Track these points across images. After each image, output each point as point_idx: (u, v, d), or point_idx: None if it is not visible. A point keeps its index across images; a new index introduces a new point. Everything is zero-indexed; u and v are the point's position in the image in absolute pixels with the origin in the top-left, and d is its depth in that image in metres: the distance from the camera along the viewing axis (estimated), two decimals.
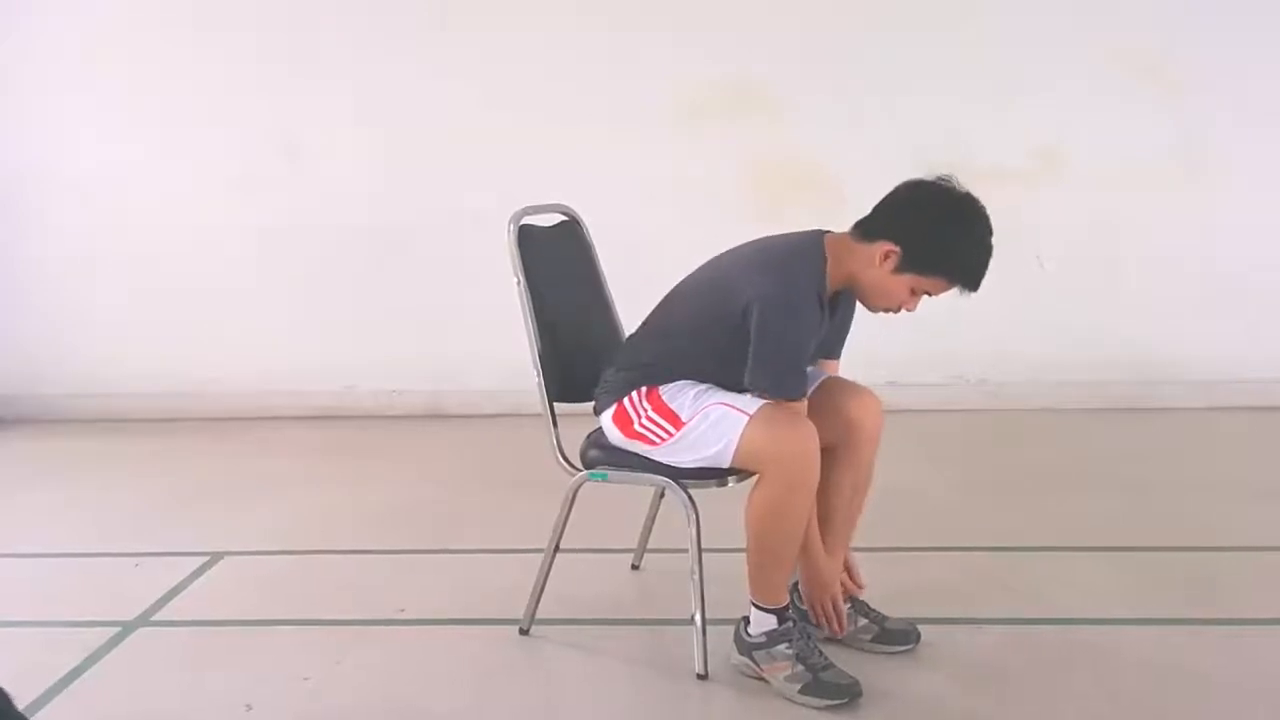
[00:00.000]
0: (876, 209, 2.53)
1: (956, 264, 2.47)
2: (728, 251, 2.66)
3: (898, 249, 2.45)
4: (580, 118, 4.96)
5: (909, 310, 2.55)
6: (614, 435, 2.67)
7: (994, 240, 2.50)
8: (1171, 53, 4.84)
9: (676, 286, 2.71)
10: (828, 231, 2.57)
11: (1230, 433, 4.67)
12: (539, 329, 2.80)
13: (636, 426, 2.61)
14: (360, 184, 5.10)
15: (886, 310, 2.57)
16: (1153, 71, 4.84)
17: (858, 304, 2.67)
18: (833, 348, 2.76)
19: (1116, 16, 4.84)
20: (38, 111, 5.16)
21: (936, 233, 2.46)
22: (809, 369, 2.71)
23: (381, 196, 5.10)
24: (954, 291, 2.50)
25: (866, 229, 2.51)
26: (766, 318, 2.44)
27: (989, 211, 2.54)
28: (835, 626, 2.67)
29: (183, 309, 5.22)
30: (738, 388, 2.57)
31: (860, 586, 2.77)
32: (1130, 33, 4.85)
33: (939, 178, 2.51)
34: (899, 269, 2.46)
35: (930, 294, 2.51)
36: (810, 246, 2.53)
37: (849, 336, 2.79)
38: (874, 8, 4.89)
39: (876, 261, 2.47)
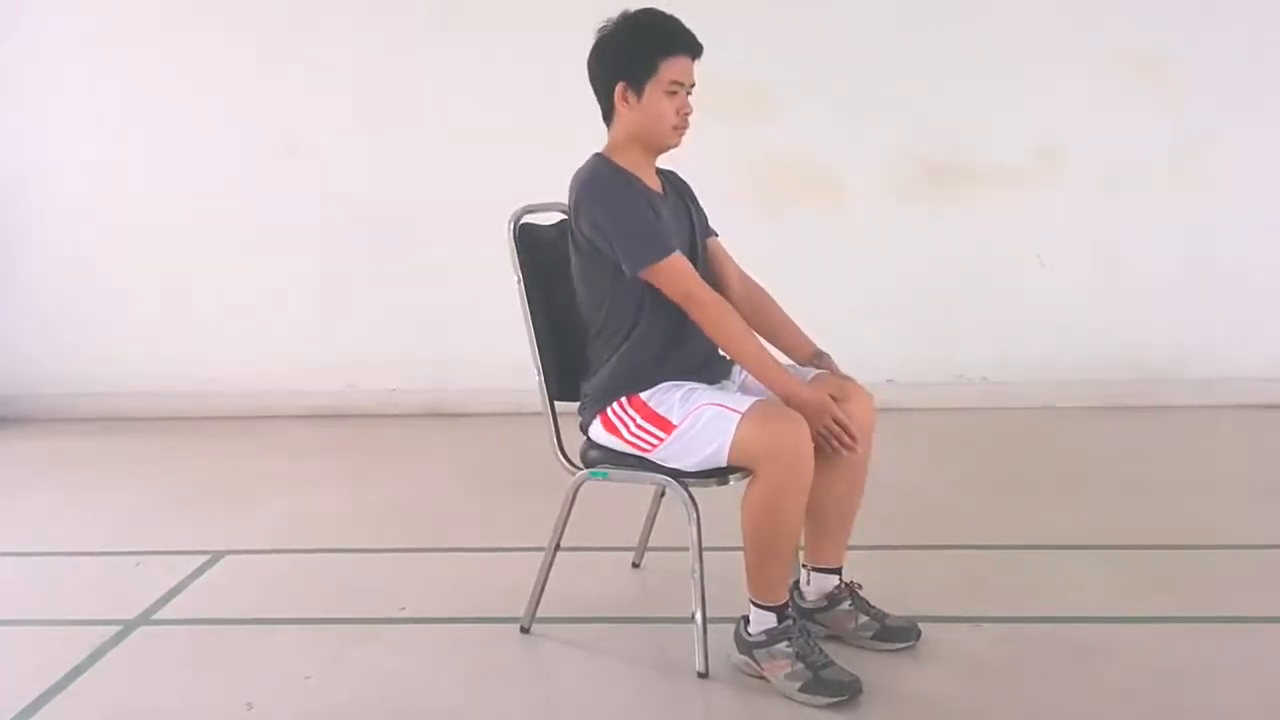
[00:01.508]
0: (596, 97, 2.69)
1: (656, 43, 2.60)
2: None
3: (621, 83, 2.61)
4: (580, 116, 4.94)
5: (687, 113, 2.65)
6: (607, 443, 2.68)
7: (665, 10, 2.66)
8: (1171, 53, 4.85)
9: None
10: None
11: (1229, 431, 4.68)
12: (539, 328, 2.80)
13: (627, 436, 2.62)
14: (359, 183, 5.11)
15: (676, 130, 2.65)
16: (1153, 71, 4.85)
17: (692, 187, 2.85)
18: (704, 225, 2.85)
19: (1117, 17, 4.85)
20: (38, 111, 5.17)
21: (620, 44, 2.63)
22: (795, 365, 2.75)
23: (381, 196, 5.11)
24: (689, 64, 2.62)
25: (603, 111, 2.70)
26: (592, 213, 2.60)
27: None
28: (847, 440, 2.52)
29: (183, 308, 5.23)
30: (686, 345, 2.64)
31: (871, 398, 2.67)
32: (1130, 33, 4.86)
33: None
34: (639, 93, 2.61)
35: (681, 83, 2.61)
36: (589, 160, 2.70)
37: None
38: (875, 7, 4.90)
39: (626, 110, 2.63)
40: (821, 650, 2.55)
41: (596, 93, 2.69)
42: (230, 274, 5.19)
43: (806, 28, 4.89)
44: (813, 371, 2.72)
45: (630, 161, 2.67)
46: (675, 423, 2.55)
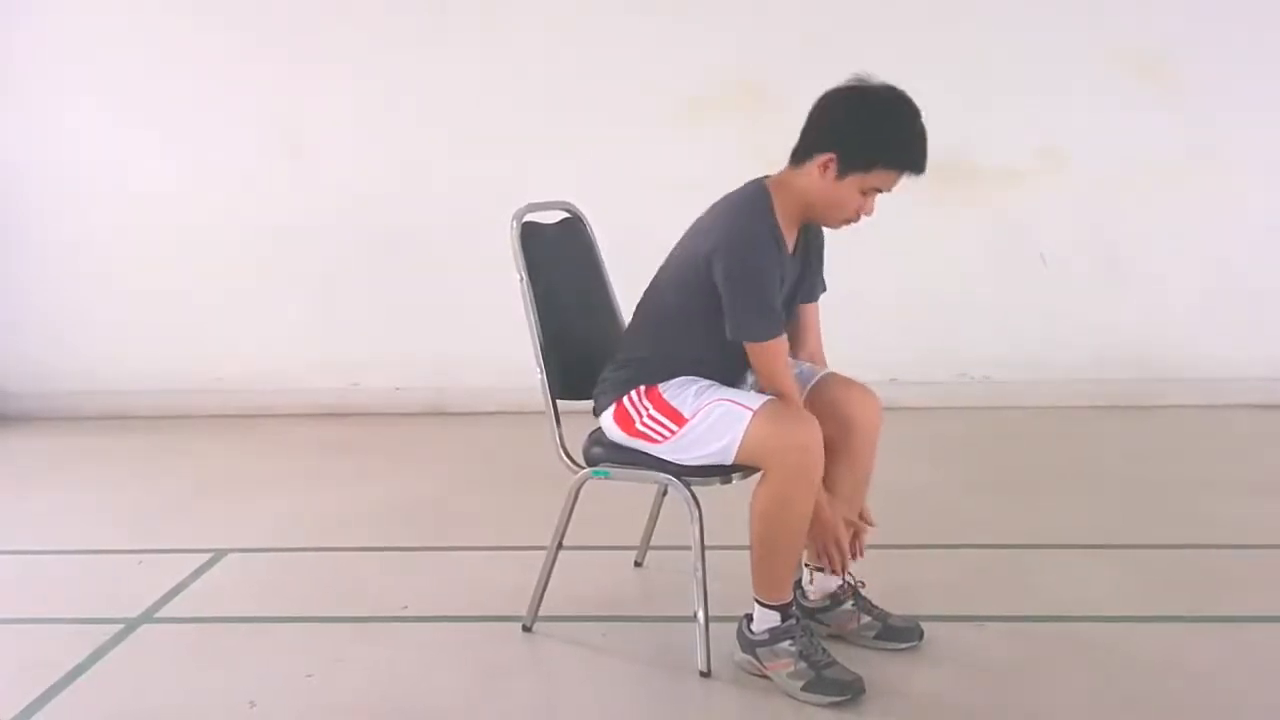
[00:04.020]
0: (804, 129, 2.55)
1: (891, 149, 2.48)
2: (687, 229, 2.69)
3: (833, 155, 2.47)
4: (583, 115, 4.97)
5: (867, 214, 2.55)
6: (615, 435, 2.67)
7: (923, 121, 2.50)
8: (1173, 52, 4.85)
9: (653, 277, 2.73)
10: (769, 176, 2.60)
11: (1232, 430, 4.68)
12: (542, 326, 2.80)
13: (638, 425, 2.61)
14: (363, 182, 5.11)
15: (846, 221, 2.58)
16: (1154, 71, 4.85)
17: (824, 244, 2.74)
18: (811, 290, 2.76)
19: (1119, 16, 4.85)
20: (40, 110, 5.17)
21: (862, 126, 2.48)
22: (806, 366, 2.74)
23: (384, 194, 5.10)
24: (902, 180, 2.51)
25: (799, 151, 2.55)
26: (726, 263, 2.49)
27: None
28: (836, 566, 2.60)
29: (185, 307, 5.23)
30: (732, 368, 2.61)
31: (871, 524, 2.71)
32: (1132, 32, 4.86)
33: (852, 77, 2.53)
34: (841, 174, 2.48)
35: (881, 189, 2.52)
36: (751, 190, 2.58)
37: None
38: (877, 6, 4.89)
39: (818, 176, 2.50)
40: (824, 649, 2.55)
41: (808, 130, 2.54)
42: (233, 273, 5.19)
43: (808, 25, 4.89)
44: (820, 371, 2.73)
45: (786, 211, 2.55)
46: (687, 416, 2.54)
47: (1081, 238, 5.01)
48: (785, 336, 2.56)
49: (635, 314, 2.76)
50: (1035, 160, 4.95)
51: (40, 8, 5.11)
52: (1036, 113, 4.92)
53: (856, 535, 2.66)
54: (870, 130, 2.48)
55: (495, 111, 4.99)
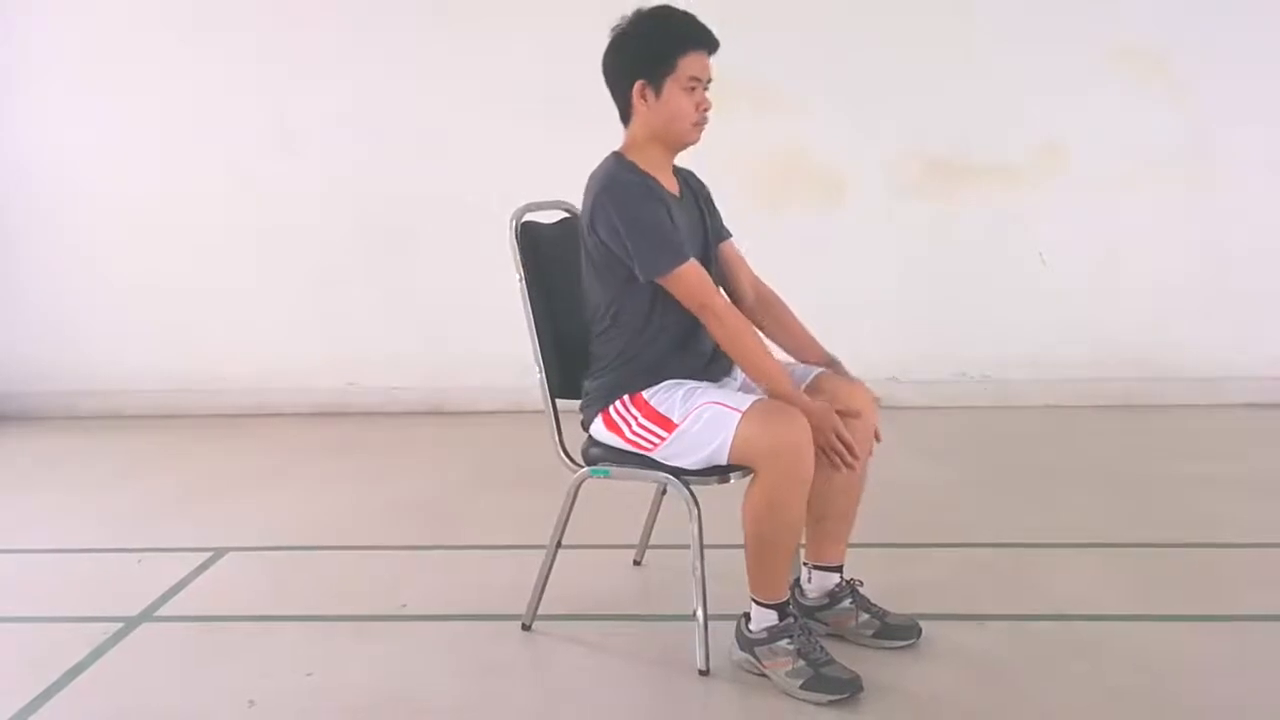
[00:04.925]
0: (612, 98, 2.69)
1: (672, 39, 2.60)
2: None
3: (639, 82, 2.60)
4: (582, 114, 4.94)
5: (706, 109, 2.63)
6: (609, 442, 2.68)
7: (678, 8, 2.66)
8: (1173, 50, 4.85)
9: (581, 283, 2.77)
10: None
11: (1230, 429, 4.68)
12: (541, 326, 2.80)
13: (629, 435, 2.62)
14: (360, 181, 5.11)
15: (697, 125, 2.64)
16: (1154, 69, 4.85)
17: (708, 189, 2.85)
18: (718, 230, 2.84)
19: (1119, 14, 4.85)
20: (39, 112, 5.17)
21: (636, 46, 2.62)
22: (800, 367, 2.75)
23: (381, 193, 5.11)
24: (706, 59, 2.62)
25: (621, 111, 2.69)
26: (606, 220, 2.57)
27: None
28: (847, 459, 2.50)
29: (184, 306, 5.23)
30: (699, 353, 2.64)
31: (874, 392, 2.68)
32: (1132, 30, 4.86)
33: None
34: (657, 89, 2.60)
35: (699, 79, 2.61)
36: (607, 160, 2.68)
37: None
38: (878, 5, 4.89)
39: (645, 108, 2.62)
40: (822, 648, 2.55)
41: (613, 92, 2.67)
42: (231, 272, 5.19)
43: (808, 24, 4.89)
44: (815, 370, 2.73)
45: (649, 161, 2.66)
46: (676, 421, 2.55)
47: (1081, 236, 5.01)
48: (695, 263, 2.58)
49: (591, 321, 2.75)
50: (1035, 158, 4.95)
51: (41, 8, 5.11)
52: (1038, 110, 4.92)
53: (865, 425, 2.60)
54: (644, 42, 2.62)
55: (495, 111, 4.99)
